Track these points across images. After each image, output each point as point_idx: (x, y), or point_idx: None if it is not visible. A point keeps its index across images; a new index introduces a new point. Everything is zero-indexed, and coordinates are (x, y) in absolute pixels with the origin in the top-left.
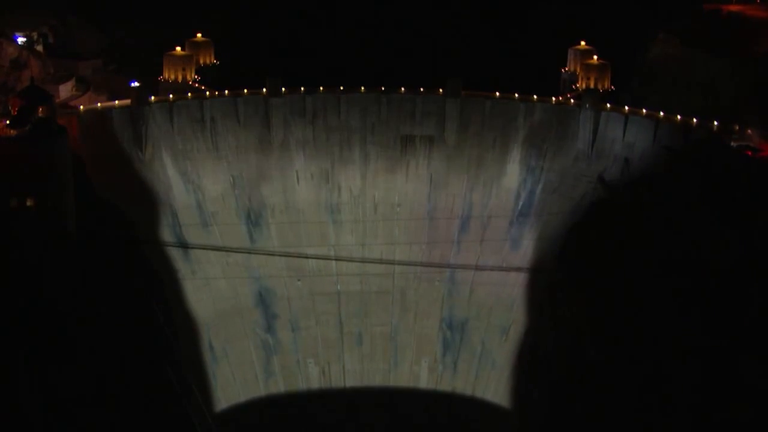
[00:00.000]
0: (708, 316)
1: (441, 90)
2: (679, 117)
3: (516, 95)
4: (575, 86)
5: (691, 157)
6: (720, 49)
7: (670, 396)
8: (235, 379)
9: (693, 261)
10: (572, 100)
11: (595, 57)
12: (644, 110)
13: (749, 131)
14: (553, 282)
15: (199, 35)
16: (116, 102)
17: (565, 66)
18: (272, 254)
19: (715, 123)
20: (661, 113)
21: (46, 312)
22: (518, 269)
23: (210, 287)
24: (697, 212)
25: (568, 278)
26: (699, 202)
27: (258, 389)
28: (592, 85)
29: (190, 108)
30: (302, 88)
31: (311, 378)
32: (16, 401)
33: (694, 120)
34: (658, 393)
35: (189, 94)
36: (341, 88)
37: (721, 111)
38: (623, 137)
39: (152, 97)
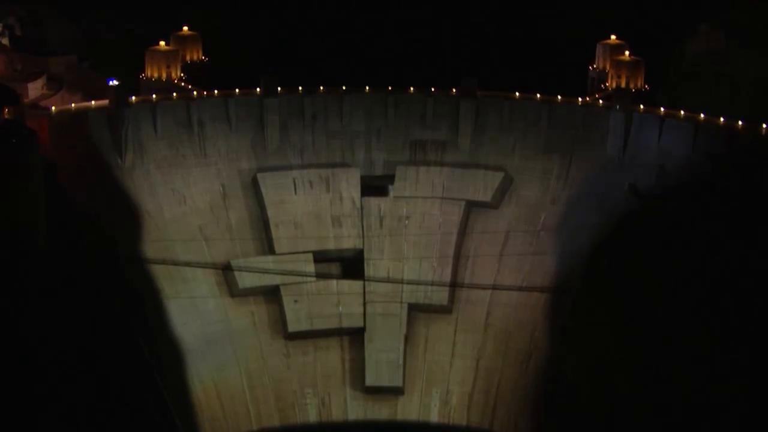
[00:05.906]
0: (752, 342)
1: (454, 90)
2: (722, 120)
3: (538, 95)
4: (604, 85)
5: (736, 166)
6: None
7: None
8: (224, 411)
9: (737, 282)
10: (601, 101)
11: (627, 53)
12: (682, 112)
13: None
14: (579, 304)
15: (185, 28)
16: (92, 102)
17: (593, 63)
18: (266, 272)
19: (764, 126)
20: (702, 116)
21: (11, 337)
22: (540, 289)
23: (197, 308)
24: (741, 227)
25: (595, 300)
26: (744, 216)
27: (249, 423)
28: (623, 85)
29: (176, 109)
30: (300, 88)
31: (309, 411)
32: None
33: (740, 123)
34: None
35: (174, 94)
36: (343, 87)
37: None
38: (658, 142)
39: (133, 98)
